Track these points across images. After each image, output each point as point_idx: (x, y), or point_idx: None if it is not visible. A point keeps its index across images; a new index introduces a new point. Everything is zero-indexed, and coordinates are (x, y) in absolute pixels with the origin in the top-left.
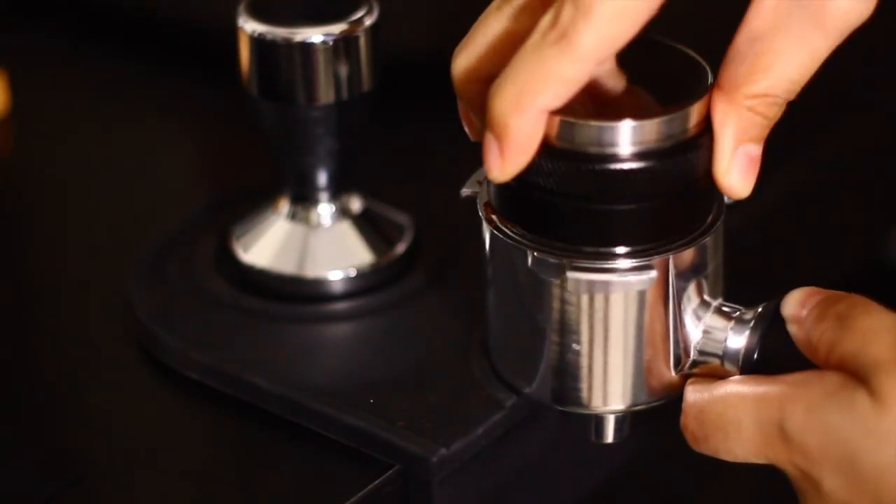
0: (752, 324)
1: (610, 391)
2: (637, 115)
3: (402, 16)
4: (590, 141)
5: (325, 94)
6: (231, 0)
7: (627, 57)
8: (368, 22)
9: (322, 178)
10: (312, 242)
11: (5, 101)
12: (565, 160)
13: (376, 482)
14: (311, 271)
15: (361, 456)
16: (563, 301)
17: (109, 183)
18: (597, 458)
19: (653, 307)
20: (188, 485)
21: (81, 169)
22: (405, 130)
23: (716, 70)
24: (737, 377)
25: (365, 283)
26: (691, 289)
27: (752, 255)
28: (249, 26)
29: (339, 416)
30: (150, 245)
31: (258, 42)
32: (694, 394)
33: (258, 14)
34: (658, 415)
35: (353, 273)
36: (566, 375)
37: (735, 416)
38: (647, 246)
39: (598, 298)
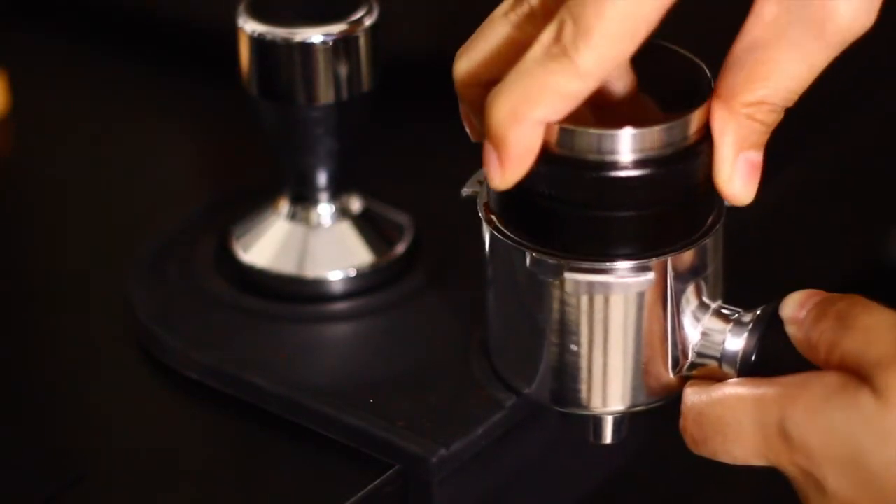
0: (750, 326)
1: (609, 392)
2: (637, 121)
3: (402, 16)
4: (589, 148)
5: (325, 94)
6: (231, 0)
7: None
8: (368, 22)
9: (322, 178)
10: (312, 242)
11: (5, 101)
12: (565, 167)
13: (376, 482)
14: (311, 271)
15: (361, 456)
16: (562, 302)
17: (109, 183)
18: (596, 459)
19: (651, 309)
20: (188, 485)
21: (81, 169)
22: (405, 130)
23: (715, 75)
24: (735, 379)
25: (365, 283)
26: (690, 291)
27: (752, 256)
28: (249, 26)
29: (339, 416)
30: (150, 245)
31: (258, 42)
32: (692, 396)
33: (258, 14)
34: (657, 416)
35: (353, 273)
36: (565, 376)
37: (734, 418)
38: (645, 248)
39: (597, 300)
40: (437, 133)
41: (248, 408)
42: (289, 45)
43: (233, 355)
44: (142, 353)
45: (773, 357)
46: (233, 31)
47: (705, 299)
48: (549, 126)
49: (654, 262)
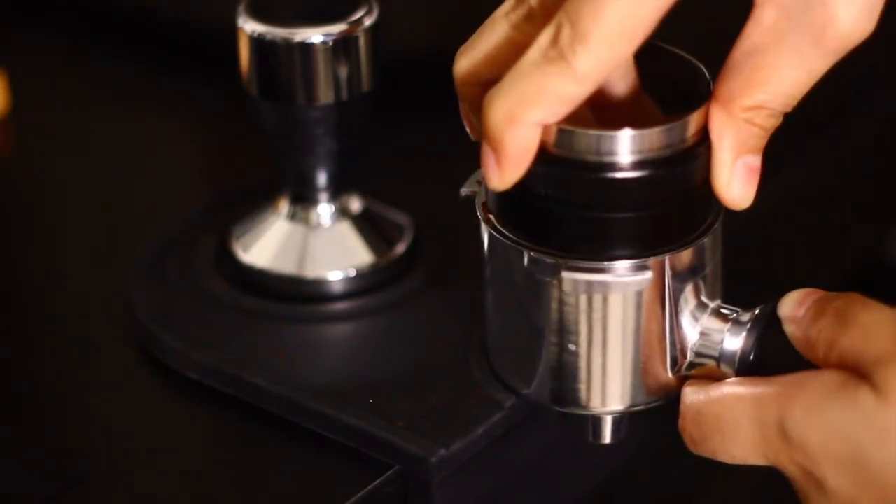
0: (748, 326)
1: (608, 392)
2: (638, 122)
3: (402, 16)
4: (587, 149)
5: (325, 95)
6: (231, 0)
7: None
8: (368, 22)
9: (322, 178)
10: (312, 242)
11: (5, 101)
12: (563, 168)
13: (376, 482)
14: (311, 271)
15: (361, 456)
16: (560, 302)
17: (109, 183)
18: (596, 459)
19: (649, 308)
20: (188, 485)
21: (81, 169)
22: (405, 130)
23: (714, 77)
24: (734, 378)
25: (365, 284)
26: (688, 290)
27: (752, 256)
28: (249, 26)
29: (339, 416)
30: (150, 245)
31: (258, 42)
32: (691, 396)
33: (258, 14)
34: (656, 416)
35: (352, 273)
36: (564, 376)
37: (733, 418)
38: (643, 248)
39: (596, 299)
40: (437, 133)
41: (248, 408)
42: (289, 45)
43: (233, 355)
44: (142, 353)
45: (771, 356)
46: (233, 31)
47: (704, 299)
48: (547, 127)
49: (652, 261)
